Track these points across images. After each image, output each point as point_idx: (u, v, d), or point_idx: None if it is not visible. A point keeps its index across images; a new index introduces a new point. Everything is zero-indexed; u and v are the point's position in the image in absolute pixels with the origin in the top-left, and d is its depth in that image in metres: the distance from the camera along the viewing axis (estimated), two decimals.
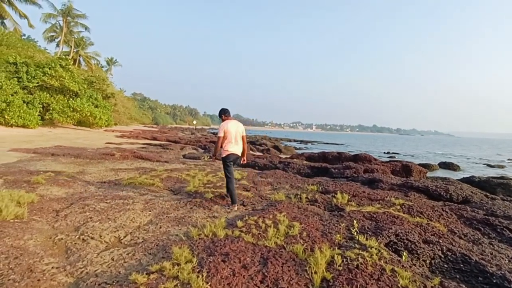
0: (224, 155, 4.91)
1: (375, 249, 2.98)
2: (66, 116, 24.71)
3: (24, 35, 43.89)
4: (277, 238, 3.20)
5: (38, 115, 22.34)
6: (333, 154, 12.61)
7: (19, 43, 32.05)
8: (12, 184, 5.51)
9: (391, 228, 3.58)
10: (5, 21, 29.93)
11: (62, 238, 3.35)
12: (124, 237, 3.48)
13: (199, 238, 3.22)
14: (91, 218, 4.05)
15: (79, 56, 49.54)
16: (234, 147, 4.87)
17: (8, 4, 28.57)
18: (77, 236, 3.42)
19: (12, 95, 20.33)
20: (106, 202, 4.81)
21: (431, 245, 3.29)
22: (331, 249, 3.00)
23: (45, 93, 24.19)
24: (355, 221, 3.72)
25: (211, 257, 2.68)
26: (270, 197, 5.57)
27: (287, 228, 3.53)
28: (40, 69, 24.13)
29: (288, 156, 15.41)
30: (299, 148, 33.38)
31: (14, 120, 19.62)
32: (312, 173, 10.02)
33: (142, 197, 5.23)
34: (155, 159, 11.01)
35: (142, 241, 3.35)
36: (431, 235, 3.69)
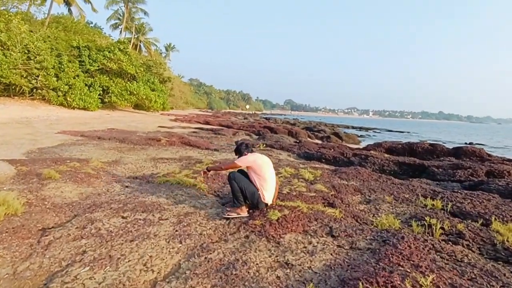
0: (263, 200, 3.45)
1: None
2: (123, 99, 24.96)
3: (92, 22, 46.43)
4: None
5: (99, 98, 22.75)
6: (424, 147, 9.75)
7: (85, 29, 33.55)
8: (20, 178, 4.25)
9: None
10: (71, 8, 31.22)
11: None
12: None
13: None
14: (83, 253, 2.42)
15: (140, 42, 51.14)
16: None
17: None
18: None
19: (74, 78, 20.77)
20: (122, 217, 3.20)
21: None
22: None
23: (104, 76, 24.59)
24: None
25: None
26: (372, 220, 3.46)
27: None
28: (101, 53, 24.51)
29: (359, 147, 12.88)
30: (361, 136, 29.96)
31: (75, 103, 20.01)
32: (401, 171, 7.55)
33: (175, 209, 3.53)
34: (204, 146, 9.52)
35: None
36: None
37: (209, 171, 3.75)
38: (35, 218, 3.01)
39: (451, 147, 9.95)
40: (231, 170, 3.56)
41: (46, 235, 2.70)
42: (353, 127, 48.93)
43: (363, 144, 19.12)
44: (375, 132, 43.05)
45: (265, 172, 3.42)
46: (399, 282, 1.99)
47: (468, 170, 6.34)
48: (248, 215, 3.35)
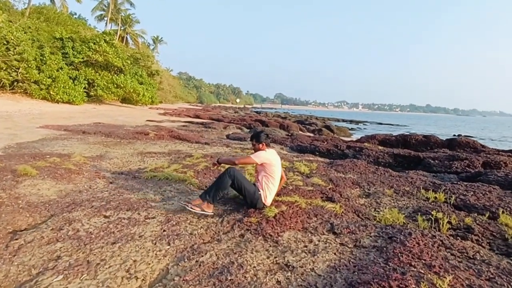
0: (264, 202, 3.17)
1: None
2: (110, 92, 24.22)
3: (75, 13, 44.86)
4: None
5: (84, 91, 21.99)
6: (418, 138, 9.67)
7: (69, 20, 32.37)
8: None
9: None
10: None
11: None
12: None
13: None
14: (57, 259, 2.14)
15: (127, 34, 49.76)
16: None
17: None
18: None
19: (57, 70, 19.98)
20: (104, 216, 2.91)
21: None
22: None
23: (90, 68, 23.78)
24: None
25: None
26: (375, 215, 3.27)
27: None
28: (86, 44, 23.65)
29: (351, 139, 12.76)
30: (352, 129, 30.03)
31: (59, 96, 19.28)
32: (396, 163, 7.43)
33: (163, 207, 3.26)
34: (194, 140, 9.22)
35: None
36: None
37: (220, 163, 3.35)
38: (6, 219, 2.69)
39: (443, 139, 9.90)
40: (241, 164, 3.24)
41: (16, 239, 2.40)
42: (343, 120, 49.10)
43: (354, 137, 19.09)
44: (365, 125, 43.30)
45: (277, 173, 3.16)
46: (414, 286, 1.79)
47: (464, 161, 6.24)
48: (212, 213, 3.04)
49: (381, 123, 48.37)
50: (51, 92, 18.93)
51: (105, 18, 45.24)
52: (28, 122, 11.01)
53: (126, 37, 49.55)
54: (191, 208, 2.96)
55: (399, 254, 2.24)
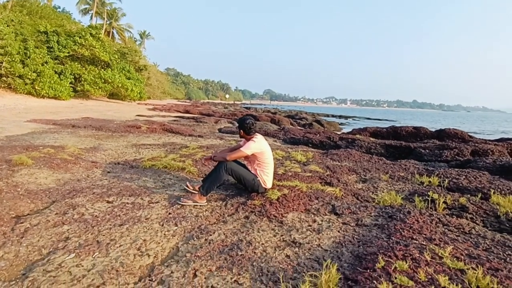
0: (264, 186, 3.21)
1: None
2: (97, 87, 23.74)
3: (59, 7, 43.62)
4: None
5: (70, 86, 21.49)
6: (408, 130, 9.93)
7: (53, 14, 31.47)
8: None
9: None
10: None
11: None
12: None
13: None
14: (66, 240, 2.14)
15: (113, 29, 48.72)
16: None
17: None
18: None
19: (42, 65, 19.45)
20: (107, 201, 2.91)
21: None
22: None
23: (76, 63, 23.23)
24: None
25: None
26: (373, 197, 3.37)
27: None
28: (71, 38, 23.06)
29: (344, 132, 12.94)
30: (341, 124, 30.40)
31: (45, 91, 18.79)
32: (388, 154, 7.60)
33: (165, 193, 3.28)
34: (187, 133, 9.18)
35: None
36: None
37: (215, 161, 3.21)
38: (7, 205, 2.66)
39: (433, 130, 10.19)
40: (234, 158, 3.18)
41: (21, 222, 2.38)
42: (333, 116, 49.54)
43: (344, 131, 19.36)
44: (354, 120, 43.86)
45: (269, 158, 3.17)
46: (418, 255, 1.88)
47: (454, 150, 6.45)
48: (206, 203, 2.99)
49: (369, 118, 49.09)
50: (36, 87, 18.43)
51: (90, 12, 44.20)
52: (14, 116, 10.73)
53: (112, 32, 48.54)
54: (183, 202, 2.92)
55: (401, 230, 2.33)
